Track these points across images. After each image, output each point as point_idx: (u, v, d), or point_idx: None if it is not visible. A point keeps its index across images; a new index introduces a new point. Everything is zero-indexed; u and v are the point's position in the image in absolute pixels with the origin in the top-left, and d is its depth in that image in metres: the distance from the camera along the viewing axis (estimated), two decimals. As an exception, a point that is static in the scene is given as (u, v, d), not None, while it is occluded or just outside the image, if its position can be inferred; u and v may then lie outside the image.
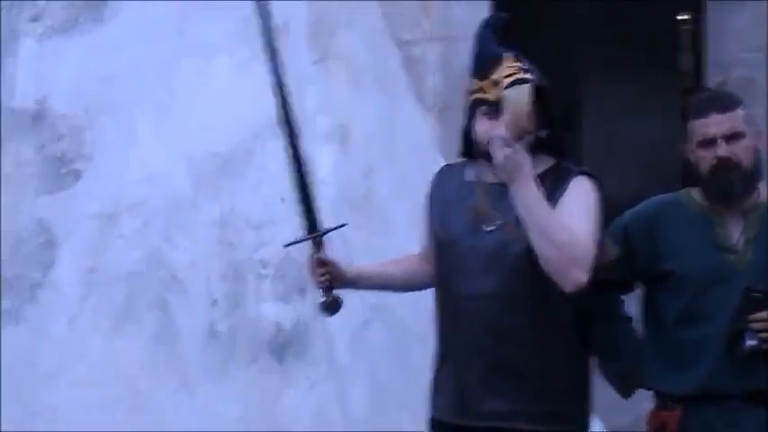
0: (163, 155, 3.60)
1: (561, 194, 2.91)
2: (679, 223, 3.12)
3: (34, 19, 3.72)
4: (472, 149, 3.04)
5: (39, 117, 3.65)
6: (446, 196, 3.05)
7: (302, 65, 3.66)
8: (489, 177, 2.97)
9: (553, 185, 2.93)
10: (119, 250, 3.55)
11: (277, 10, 3.65)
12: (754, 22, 9.61)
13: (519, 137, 2.79)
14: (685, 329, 3.06)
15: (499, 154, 2.78)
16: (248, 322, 3.46)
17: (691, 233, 3.09)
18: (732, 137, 3.04)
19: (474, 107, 2.96)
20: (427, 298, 3.16)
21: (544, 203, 2.83)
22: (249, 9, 3.69)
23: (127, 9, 3.75)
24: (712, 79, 9.82)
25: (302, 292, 3.47)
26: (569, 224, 2.83)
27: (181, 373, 3.45)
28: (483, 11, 7.02)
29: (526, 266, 2.86)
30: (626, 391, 3.27)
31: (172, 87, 3.66)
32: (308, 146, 3.56)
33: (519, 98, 2.79)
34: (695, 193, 3.16)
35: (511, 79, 2.89)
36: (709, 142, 3.05)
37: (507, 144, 2.77)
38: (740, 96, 3.20)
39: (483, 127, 2.94)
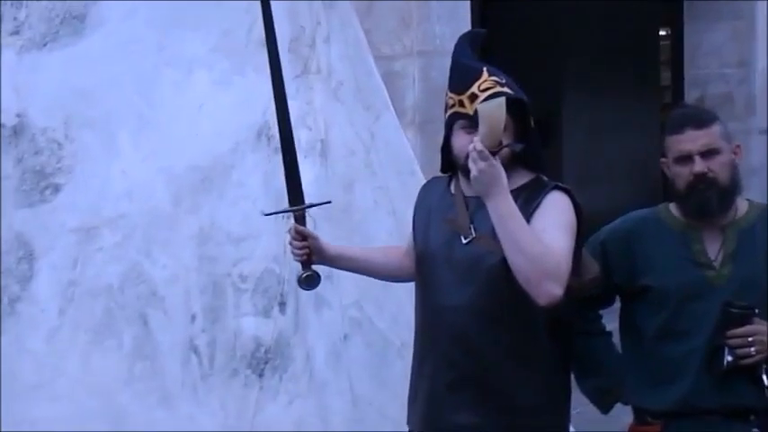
0: (142, 169, 3.60)
1: (536, 208, 2.92)
2: (657, 239, 3.12)
3: (14, 32, 3.71)
4: (451, 164, 3.05)
5: (18, 130, 3.64)
6: (429, 208, 3.08)
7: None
8: (467, 190, 2.98)
9: (528, 199, 2.93)
10: (98, 264, 3.54)
11: (258, 24, 3.67)
12: (731, 38, 9.69)
13: (494, 150, 2.79)
14: (664, 345, 3.07)
15: (474, 167, 2.79)
16: (228, 337, 3.45)
17: (668, 249, 3.10)
18: (708, 153, 3.04)
19: (452, 121, 2.97)
20: (407, 312, 3.16)
21: (519, 217, 2.83)
22: (229, 23, 3.70)
23: (107, 23, 3.74)
24: (690, 95, 9.90)
25: (282, 306, 3.47)
26: (543, 238, 2.84)
27: (160, 388, 3.44)
28: (464, 26, 7.05)
29: (501, 279, 2.87)
30: (605, 407, 3.27)
31: (151, 101, 3.66)
32: (289, 160, 3.57)
33: (494, 111, 2.79)
34: (673, 208, 3.16)
35: (488, 92, 2.90)
36: (685, 158, 3.05)
37: (482, 157, 2.78)
38: (717, 112, 3.21)
39: (461, 141, 2.95)
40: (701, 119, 3.10)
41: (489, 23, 10.69)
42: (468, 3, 7.35)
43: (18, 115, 3.64)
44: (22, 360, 3.46)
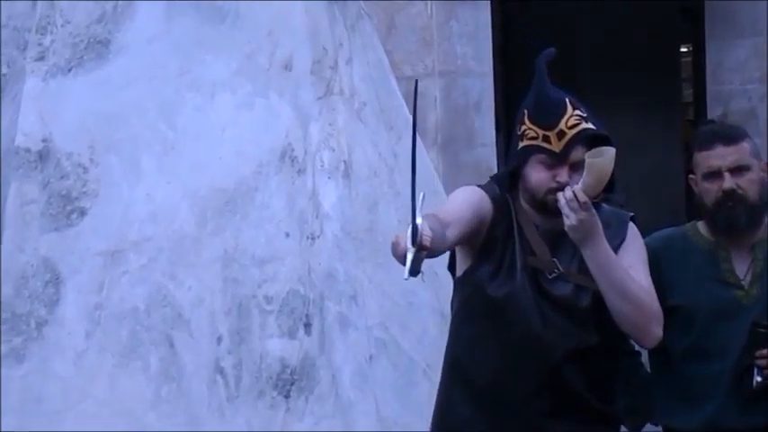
0: (166, 192, 3.61)
1: (620, 243, 2.93)
2: (684, 258, 3.10)
3: (39, 58, 3.74)
4: (512, 189, 3.00)
5: (44, 155, 3.66)
6: (504, 228, 2.97)
7: (306, 101, 3.68)
8: (539, 221, 2.95)
9: (608, 231, 2.91)
10: (124, 287, 3.55)
11: (280, 47, 3.69)
12: (753, 54, 9.66)
13: (594, 199, 2.79)
14: (693, 365, 3.04)
15: (573, 216, 2.78)
16: (253, 358, 3.46)
17: (697, 268, 3.08)
18: (737, 169, 3.02)
19: (530, 153, 2.92)
20: (431, 333, 3.16)
21: (618, 263, 2.85)
22: (251, 46, 3.72)
23: (130, 48, 3.77)
24: (713, 111, 9.87)
25: (307, 327, 3.47)
26: (641, 281, 2.87)
27: (186, 410, 3.45)
28: (485, 46, 7.06)
29: (595, 317, 2.90)
30: (634, 426, 3.25)
31: (175, 125, 3.68)
32: (312, 181, 3.59)
33: (605, 165, 2.78)
34: (701, 227, 3.14)
35: (576, 130, 2.87)
36: (714, 175, 3.03)
37: (585, 208, 2.77)
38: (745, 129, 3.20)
39: (541, 176, 2.90)
40: (731, 135, 3.08)
41: (510, 43, 10.72)
42: (489, 23, 7.36)
43: (44, 140, 3.66)
44: (49, 384, 3.47)
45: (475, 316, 2.99)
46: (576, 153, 2.89)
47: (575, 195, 2.77)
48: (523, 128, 2.93)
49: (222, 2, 3.74)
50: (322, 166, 3.61)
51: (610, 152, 2.79)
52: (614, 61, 12.64)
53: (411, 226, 2.50)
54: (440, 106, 7.05)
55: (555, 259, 2.91)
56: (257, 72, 3.70)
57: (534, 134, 2.90)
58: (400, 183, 3.80)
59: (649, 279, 2.94)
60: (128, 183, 3.64)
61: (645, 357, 3.20)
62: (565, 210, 2.80)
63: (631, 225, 3.00)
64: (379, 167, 3.76)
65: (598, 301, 2.88)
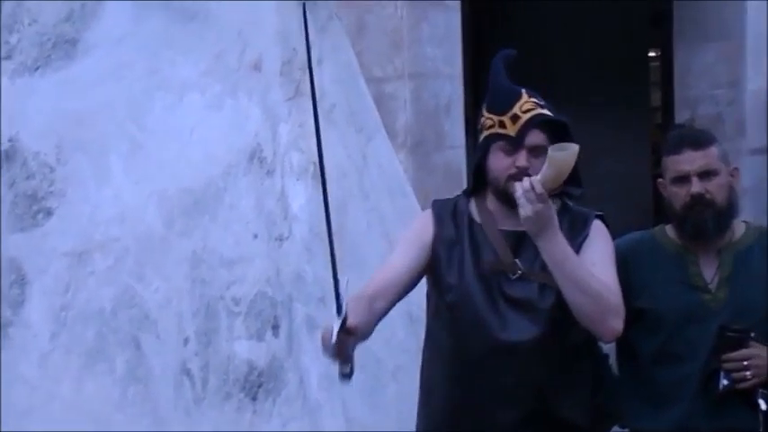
0: (134, 192, 3.60)
1: (584, 239, 2.93)
2: (653, 262, 3.11)
3: (6, 57, 3.71)
4: (480, 185, 3.03)
5: (10, 155, 3.64)
6: (454, 240, 2.99)
7: (275, 102, 3.67)
8: (502, 222, 2.95)
9: (572, 229, 2.93)
10: (90, 288, 3.53)
11: (250, 47, 3.67)
12: (721, 59, 9.73)
13: (551, 193, 2.79)
14: (661, 368, 3.05)
15: (530, 207, 2.78)
16: (221, 360, 3.44)
17: (665, 272, 3.09)
18: (705, 174, 3.03)
19: (489, 142, 2.95)
20: (399, 335, 3.15)
21: (574, 256, 2.84)
22: (221, 46, 3.71)
23: (98, 47, 3.75)
24: (680, 115, 9.93)
25: (275, 329, 3.46)
26: (599, 274, 2.86)
27: (153, 412, 3.43)
28: (455, 49, 7.07)
29: (560, 314, 2.88)
30: (603, 429, 3.26)
31: (143, 125, 3.66)
32: (281, 182, 3.58)
33: (567, 159, 2.79)
34: (670, 230, 3.15)
35: (530, 114, 2.90)
36: (682, 179, 3.05)
37: (541, 199, 2.77)
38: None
39: (501, 163, 2.92)
40: (700, 140, 3.09)
41: (480, 47, 10.73)
42: (460, 26, 7.37)
43: (10, 140, 3.64)
44: (14, 385, 3.44)
45: (440, 328, 3.01)
46: (533, 137, 2.90)
47: (532, 186, 2.77)
48: (482, 120, 2.98)
49: (191, 2, 3.73)
50: (291, 167, 3.61)
51: (573, 148, 2.80)
52: (584, 66, 12.70)
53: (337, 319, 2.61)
54: (409, 108, 7.05)
55: (516, 260, 2.91)
56: (226, 72, 3.69)
57: (491, 122, 2.94)
58: (369, 185, 3.80)
59: (614, 275, 2.93)
60: (95, 183, 3.62)
61: (613, 359, 3.22)
62: (521, 200, 2.80)
63: (597, 222, 2.99)
64: (349, 169, 3.76)
65: (562, 301, 2.88)
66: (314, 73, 3.72)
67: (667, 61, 11.40)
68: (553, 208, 2.82)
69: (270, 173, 3.59)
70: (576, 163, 2.93)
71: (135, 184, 3.61)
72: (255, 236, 3.52)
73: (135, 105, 3.68)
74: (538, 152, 2.90)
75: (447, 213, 3.03)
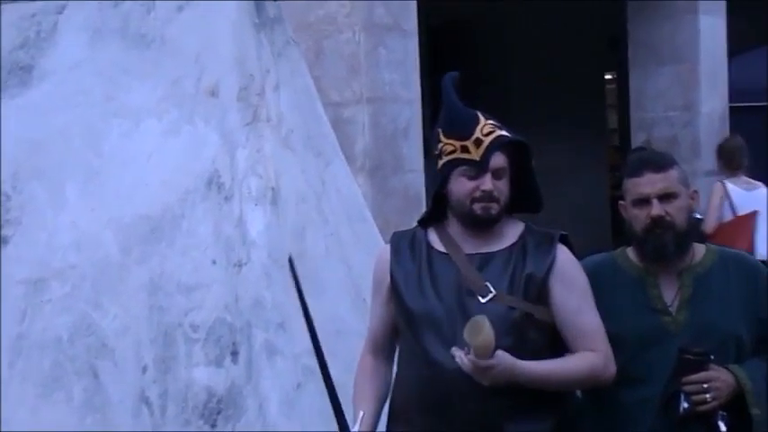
0: (91, 219, 3.57)
1: (551, 264, 2.94)
2: (614, 284, 3.12)
3: (-39, 83, 3.68)
4: (440, 213, 3.02)
5: (-35, 182, 3.60)
6: (409, 267, 3.00)
7: (232, 127, 3.66)
8: (466, 246, 2.96)
9: (538, 250, 2.95)
10: (46, 316, 3.49)
11: (207, 73, 3.67)
12: (676, 82, 9.83)
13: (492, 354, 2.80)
14: (621, 390, 3.06)
15: (485, 380, 2.81)
16: (179, 387, 3.41)
17: (625, 294, 3.10)
18: (666, 197, 3.04)
19: (451, 168, 2.94)
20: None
21: (550, 370, 2.90)
22: (178, 72, 3.70)
23: (54, 73, 3.73)
24: (636, 138, 10.02)
25: (234, 355, 3.44)
26: (580, 319, 2.92)
27: (111, 441, 3.39)
28: (412, 73, 7.10)
29: (528, 332, 2.91)
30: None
31: (100, 151, 3.64)
32: (239, 208, 3.56)
33: (485, 338, 2.78)
34: (630, 253, 3.16)
35: (492, 137, 2.91)
36: (642, 201, 3.06)
37: (484, 371, 2.79)
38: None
39: (464, 187, 2.93)
40: (660, 163, 3.10)
41: (437, 69, 10.79)
42: (417, 50, 7.41)
43: (-35, 167, 3.60)
44: (-31, 415, 3.40)
45: (408, 356, 3.03)
46: (496, 160, 2.92)
47: (473, 367, 2.78)
48: (440, 145, 2.97)
49: (148, 27, 3.72)
50: (249, 192, 3.59)
51: (481, 324, 2.78)
52: (542, 88, 12.78)
53: None
54: (368, 132, 7.06)
55: (487, 283, 2.91)
56: (183, 98, 3.68)
57: (452, 147, 2.94)
58: (328, 209, 3.79)
59: (596, 313, 2.99)
60: (52, 210, 3.59)
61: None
62: (476, 376, 2.82)
63: (562, 248, 2.99)
64: (307, 194, 3.75)
65: (527, 323, 2.89)
66: (271, 98, 3.73)
67: (623, 84, 11.50)
68: (502, 360, 2.81)
69: (228, 198, 3.58)
70: (537, 182, 2.97)
71: (91, 210, 3.58)
72: (214, 262, 3.51)
73: (91, 132, 3.65)
74: (500, 174, 2.92)
75: (405, 245, 3.05)
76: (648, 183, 3.05)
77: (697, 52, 9.79)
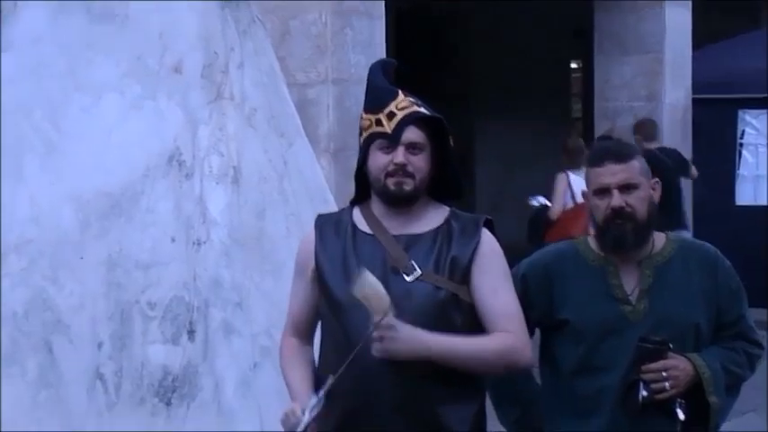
0: (50, 194, 3.54)
1: (476, 248, 2.91)
2: (574, 273, 3.13)
3: None
4: (364, 191, 3.02)
5: None
6: (334, 250, 2.98)
7: (195, 105, 3.64)
8: (392, 227, 2.94)
9: (463, 234, 2.92)
10: (3, 290, 3.46)
11: (171, 50, 3.64)
12: (640, 72, 9.89)
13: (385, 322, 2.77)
14: (582, 380, 3.07)
15: (385, 350, 2.79)
16: (135, 365, 3.40)
17: (586, 283, 3.11)
18: (626, 187, 3.05)
19: (369, 143, 2.94)
20: (317, 341, 3.14)
21: (460, 345, 2.85)
22: (141, 48, 3.67)
23: (15, 46, 3.69)
24: (600, 127, 10.07)
25: (191, 334, 3.43)
26: (496, 301, 2.88)
27: (65, 417, 3.37)
28: (379, 55, 7.08)
29: (452, 312, 2.89)
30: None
31: (60, 126, 3.60)
32: (200, 186, 3.55)
33: (370, 291, 2.76)
34: (592, 242, 3.17)
35: (406, 111, 2.89)
36: (603, 191, 3.07)
37: (392, 343, 2.78)
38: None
39: (379, 161, 2.91)
40: (621, 153, 3.11)
41: (403, 52, 10.77)
42: (384, 32, 7.39)
43: None
44: None
45: (330, 338, 3.02)
46: (410, 133, 2.90)
47: (378, 336, 2.78)
48: (360, 122, 2.98)
49: (112, 2, 3.68)
50: (210, 171, 3.58)
51: (366, 279, 2.78)
52: (508, 76, 12.81)
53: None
54: (332, 114, 7.05)
55: (413, 261, 2.89)
56: (146, 74, 3.65)
57: (369, 122, 2.94)
58: (290, 190, 3.78)
59: (515, 297, 2.95)
60: (9, 183, 3.55)
61: (536, 370, 3.22)
62: (375, 348, 2.80)
63: (486, 232, 2.96)
64: (269, 174, 3.74)
65: (453, 303, 2.89)
66: (235, 76, 3.71)
67: (588, 73, 11.55)
68: (401, 329, 2.79)
69: (189, 176, 3.56)
70: (455, 166, 2.96)
71: (50, 185, 3.55)
72: (173, 239, 3.49)
73: (52, 106, 3.62)
74: (416, 149, 2.90)
75: (330, 227, 3.02)
76: (609, 173, 3.06)
77: (662, 43, 9.85)
